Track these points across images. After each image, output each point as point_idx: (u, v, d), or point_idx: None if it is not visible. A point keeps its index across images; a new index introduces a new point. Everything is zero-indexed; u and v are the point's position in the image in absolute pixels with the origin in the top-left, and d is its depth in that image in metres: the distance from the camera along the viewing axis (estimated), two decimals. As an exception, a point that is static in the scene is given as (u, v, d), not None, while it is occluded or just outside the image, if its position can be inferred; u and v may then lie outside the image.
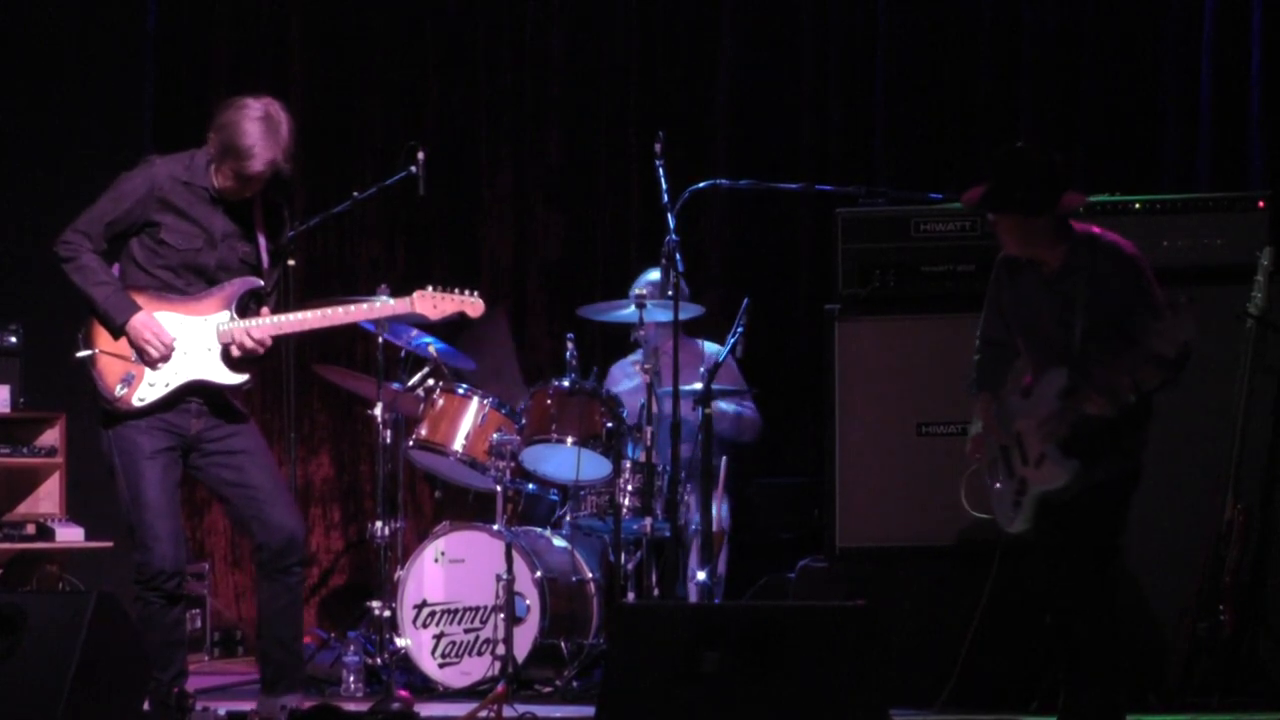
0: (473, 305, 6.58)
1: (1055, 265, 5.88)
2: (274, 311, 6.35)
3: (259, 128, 6.12)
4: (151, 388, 6.19)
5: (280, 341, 6.45)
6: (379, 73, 9.86)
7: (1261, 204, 7.19)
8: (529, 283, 9.67)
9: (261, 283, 6.32)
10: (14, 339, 9.02)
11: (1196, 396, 6.72)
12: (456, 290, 6.56)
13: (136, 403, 6.18)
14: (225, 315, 6.24)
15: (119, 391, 6.17)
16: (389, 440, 7.70)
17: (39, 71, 9.42)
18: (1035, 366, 5.99)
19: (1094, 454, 5.80)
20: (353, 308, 6.57)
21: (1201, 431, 6.94)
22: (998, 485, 6.04)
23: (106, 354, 6.18)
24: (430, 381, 8.01)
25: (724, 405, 8.21)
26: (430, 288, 6.54)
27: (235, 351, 6.22)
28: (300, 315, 6.37)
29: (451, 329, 7.58)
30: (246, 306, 6.29)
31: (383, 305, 6.77)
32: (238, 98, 6.24)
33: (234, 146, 6.11)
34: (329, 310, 6.46)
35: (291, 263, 6.52)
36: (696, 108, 9.44)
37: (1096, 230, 5.94)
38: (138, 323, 6.15)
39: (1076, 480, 5.81)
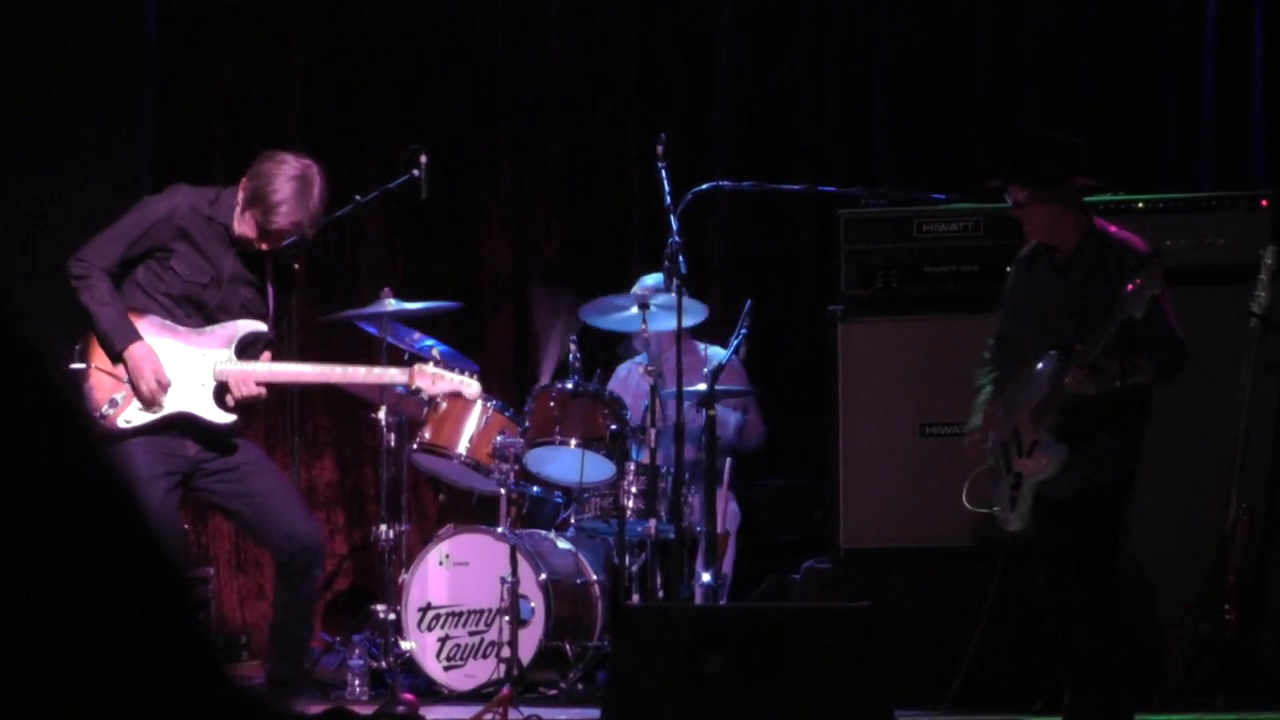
0: (468, 386, 6.51)
1: (1067, 254, 5.86)
2: (274, 357, 6.31)
3: (292, 187, 6.06)
4: (140, 412, 6.10)
5: (284, 344, 6.43)
6: (378, 76, 9.85)
7: (1264, 203, 7.20)
8: (530, 285, 9.66)
9: (265, 328, 6.26)
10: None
11: (1199, 396, 6.72)
12: (455, 370, 6.49)
13: (122, 424, 6.08)
14: (225, 354, 6.16)
15: (106, 410, 6.07)
16: (392, 444, 7.70)
17: (38, 77, 9.40)
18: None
19: (1088, 446, 5.76)
20: (350, 369, 6.58)
21: (1205, 431, 6.94)
22: (997, 485, 6.02)
23: (101, 370, 6.11)
24: (433, 385, 8.00)
25: (729, 417, 8.20)
26: (430, 364, 6.47)
27: (230, 400, 6.15)
28: (297, 368, 6.42)
29: (457, 329, 7.56)
30: (246, 349, 6.23)
31: (380, 372, 6.72)
32: (278, 151, 6.20)
33: (263, 197, 6.06)
34: (328, 367, 6.48)
35: (296, 266, 6.49)
36: (698, 110, 9.43)
37: (1113, 229, 5.92)
38: (137, 354, 6.05)
39: (1062, 466, 5.74)
